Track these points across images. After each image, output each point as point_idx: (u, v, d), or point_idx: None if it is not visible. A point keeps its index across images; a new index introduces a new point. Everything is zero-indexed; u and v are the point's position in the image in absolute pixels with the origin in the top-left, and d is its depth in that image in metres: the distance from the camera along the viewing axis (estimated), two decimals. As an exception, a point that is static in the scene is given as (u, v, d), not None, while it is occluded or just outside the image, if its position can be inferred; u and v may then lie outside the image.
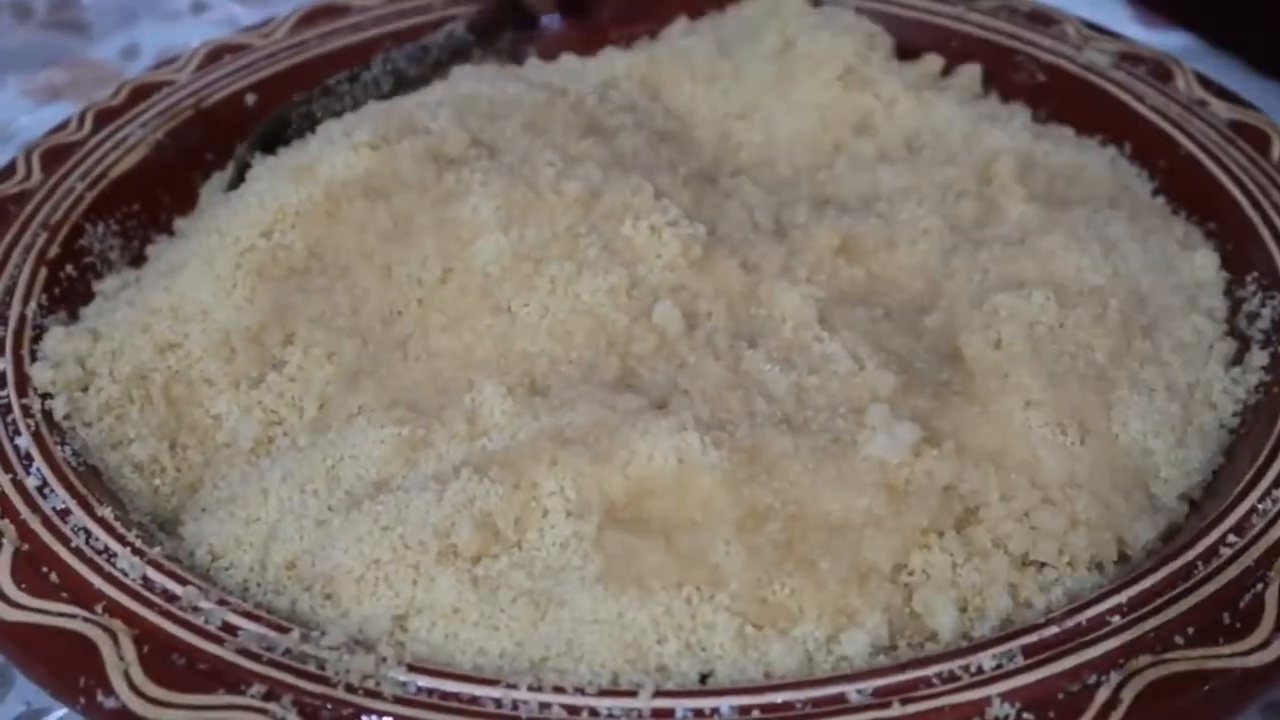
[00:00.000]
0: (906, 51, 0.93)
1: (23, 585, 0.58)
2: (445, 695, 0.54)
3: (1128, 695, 0.52)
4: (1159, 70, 0.89)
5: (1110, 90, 0.88)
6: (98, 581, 0.58)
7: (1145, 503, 0.65)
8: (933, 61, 0.93)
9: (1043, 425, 0.66)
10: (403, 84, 0.91)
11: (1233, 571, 0.58)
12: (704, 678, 0.58)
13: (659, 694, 0.54)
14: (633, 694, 0.54)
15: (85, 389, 0.70)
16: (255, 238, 0.74)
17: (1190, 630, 0.55)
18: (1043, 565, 0.62)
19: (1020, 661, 0.54)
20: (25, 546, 0.60)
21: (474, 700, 0.53)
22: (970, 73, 0.93)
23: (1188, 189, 0.82)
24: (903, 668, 0.54)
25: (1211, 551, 0.59)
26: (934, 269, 0.76)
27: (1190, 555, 0.59)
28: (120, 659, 0.54)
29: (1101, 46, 0.92)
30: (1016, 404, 0.66)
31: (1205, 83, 0.88)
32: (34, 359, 0.70)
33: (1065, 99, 0.90)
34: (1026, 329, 0.69)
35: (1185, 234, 0.80)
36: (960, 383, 0.69)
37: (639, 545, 0.60)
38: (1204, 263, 0.77)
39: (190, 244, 0.76)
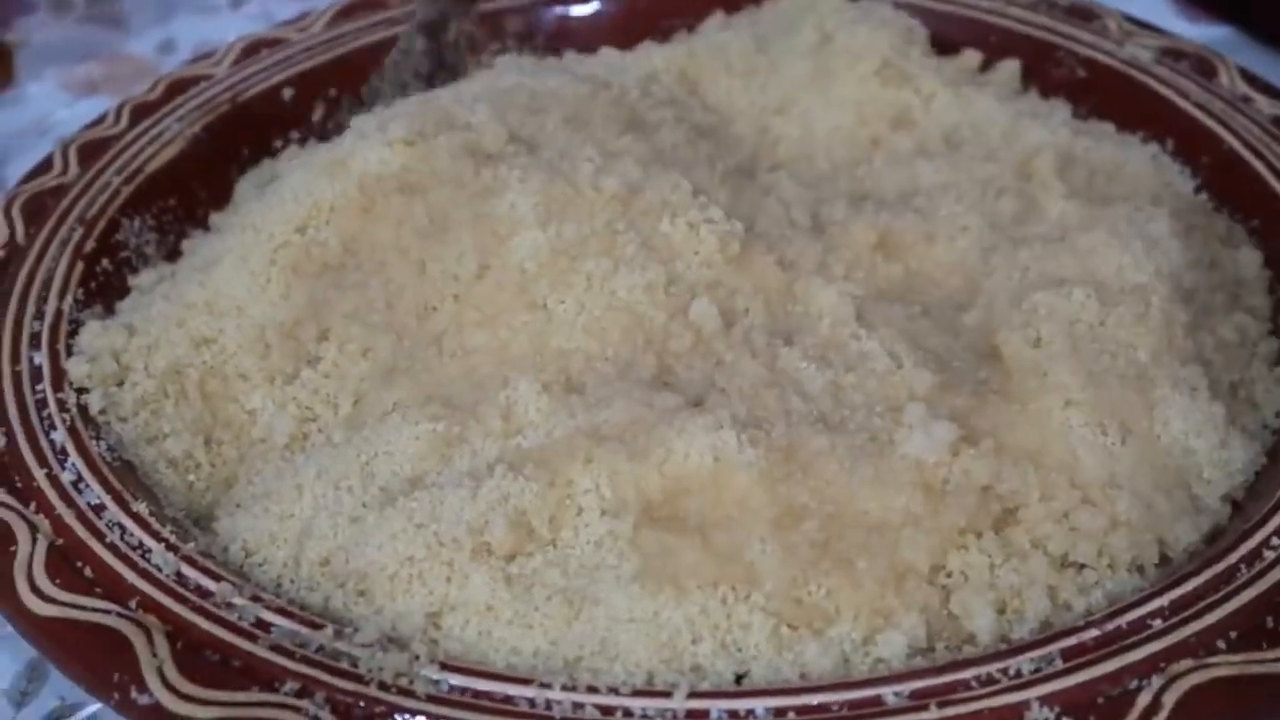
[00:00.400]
0: (945, 46, 0.92)
1: (57, 580, 0.58)
2: (478, 694, 0.53)
3: (1169, 700, 0.52)
4: (1202, 65, 0.88)
5: (1152, 86, 0.87)
6: (132, 577, 0.58)
7: (1187, 504, 0.64)
8: (971, 56, 0.93)
9: (1082, 424, 0.65)
10: None
11: (1276, 575, 0.57)
12: (739, 678, 0.57)
13: (693, 695, 0.53)
14: (667, 694, 0.53)
15: (120, 384, 0.70)
16: (290, 233, 0.74)
17: (1233, 634, 0.54)
18: (1082, 567, 0.61)
19: (1059, 665, 0.54)
20: (60, 541, 0.60)
21: (507, 699, 0.53)
22: (1009, 68, 0.92)
23: (1231, 186, 0.81)
24: (940, 670, 0.54)
25: (1255, 554, 0.58)
26: (973, 266, 0.76)
27: (1233, 558, 0.58)
28: (154, 655, 0.54)
29: (1143, 41, 0.91)
30: (1056, 403, 0.66)
31: (1249, 78, 0.87)
32: (70, 354, 0.70)
33: (1106, 95, 0.89)
34: (1066, 327, 0.68)
35: (1228, 231, 0.79)
36: (999, 381, 0.68)
37: (674, 544, 0.59)
38: (1247, 260, 0.76)
39: (225, 239, 0.76)
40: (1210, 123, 0.84)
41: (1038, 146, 0.82)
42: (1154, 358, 0.68)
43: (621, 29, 0.90)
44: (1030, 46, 0.93)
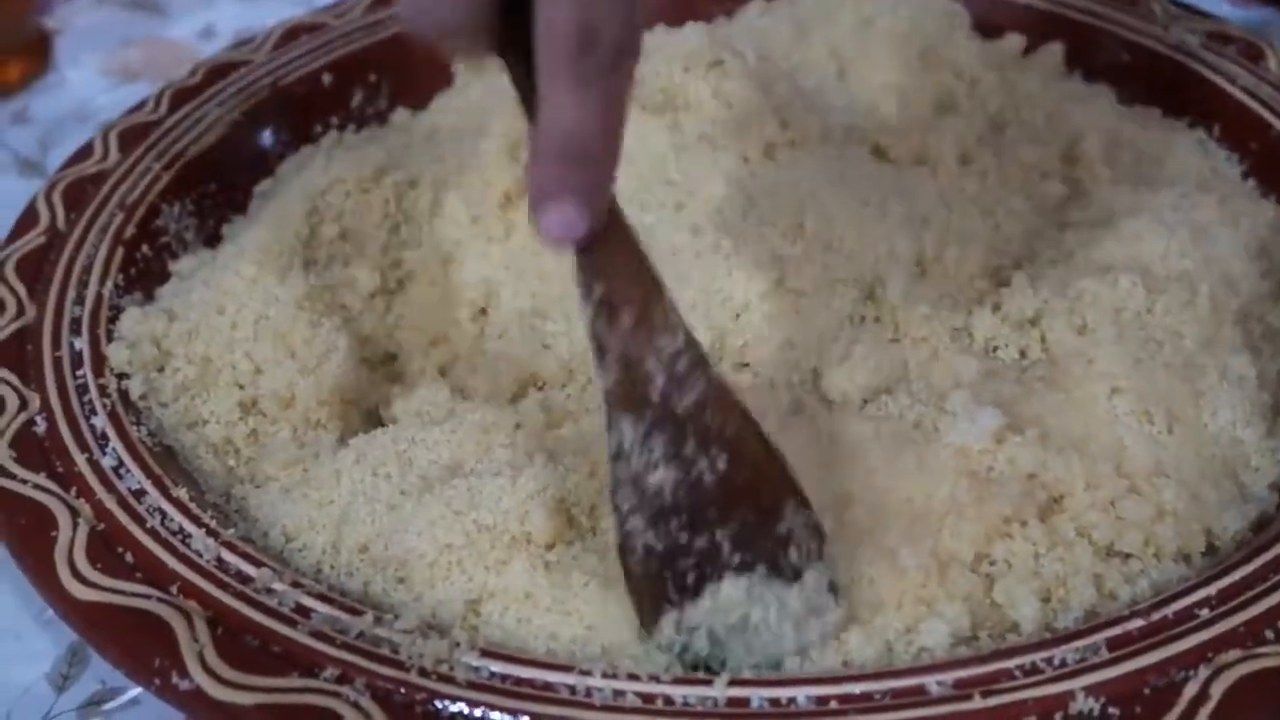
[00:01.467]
0: (987, 30, 0.91)
1: (98, 565, 0.58)
2: (519, 681, 0.53)
3: (1217, 690, 0.51)
4: (1249, 50, 0.87)
5: (1198, 70, 0.86)
6: (172, 562, 0.58)
7: (1234, 493, 0.64)
8: (1014, 41, 0.92)
9: (1129, 413, 0.64)
10: None
11: (1326, 564, 0.56)
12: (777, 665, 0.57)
13: (734, 683, 0.53)
14: (708, 682, 0.53)
15: (161, 369, 0.70)
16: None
17: (1281, 625, 0.54)
18: (1128, 556, 0.60)
19: (1105, 655, 0.53)
20: (101, 526, 0.60)
21: (547, 686, 0.53)
22: (1053, 52, 0.91)
23: (1279, 172, 0.80)
24: (984, 659, 0.53)
25: (1304, 543, 0.57)
26: (1017, 251, 0.75)
27: (1281, 547, 0.57)
28: (195, 640, 0.54)
29: (1189, 25, 0.90)
30: (1102, 390, 0.65)
31: (1298, 63, 0.86)
32: (110, 339, 0.70)
33: (1151, 79, 0.88)
34: (1112, 314, 0.68)
35: (1276, 218, 0.78)
36: (1044, 368, 0.67)
37: None
38: (1292, 242, 0.76)
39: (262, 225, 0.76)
40: (1258, 108, 0.83)
41: (1083, 131, 0.82)
42: (1202, 346, 0.68)
43: (659, 14, 0.89)
44: (1074, 30, 0.91)
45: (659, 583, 0.56)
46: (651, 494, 0.55)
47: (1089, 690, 0.51)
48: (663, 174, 0.74)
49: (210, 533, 0.59)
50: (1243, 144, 0.83)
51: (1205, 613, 0.54)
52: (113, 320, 0.71)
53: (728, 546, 0.56)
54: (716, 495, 0.55)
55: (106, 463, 0.63)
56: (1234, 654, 0.52)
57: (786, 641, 0.56)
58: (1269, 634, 0.53)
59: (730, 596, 0.56)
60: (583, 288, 0.53)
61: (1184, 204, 0.75)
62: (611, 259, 0.53)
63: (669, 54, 0.78)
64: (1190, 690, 0.51)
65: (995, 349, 0.70)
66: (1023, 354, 0.69)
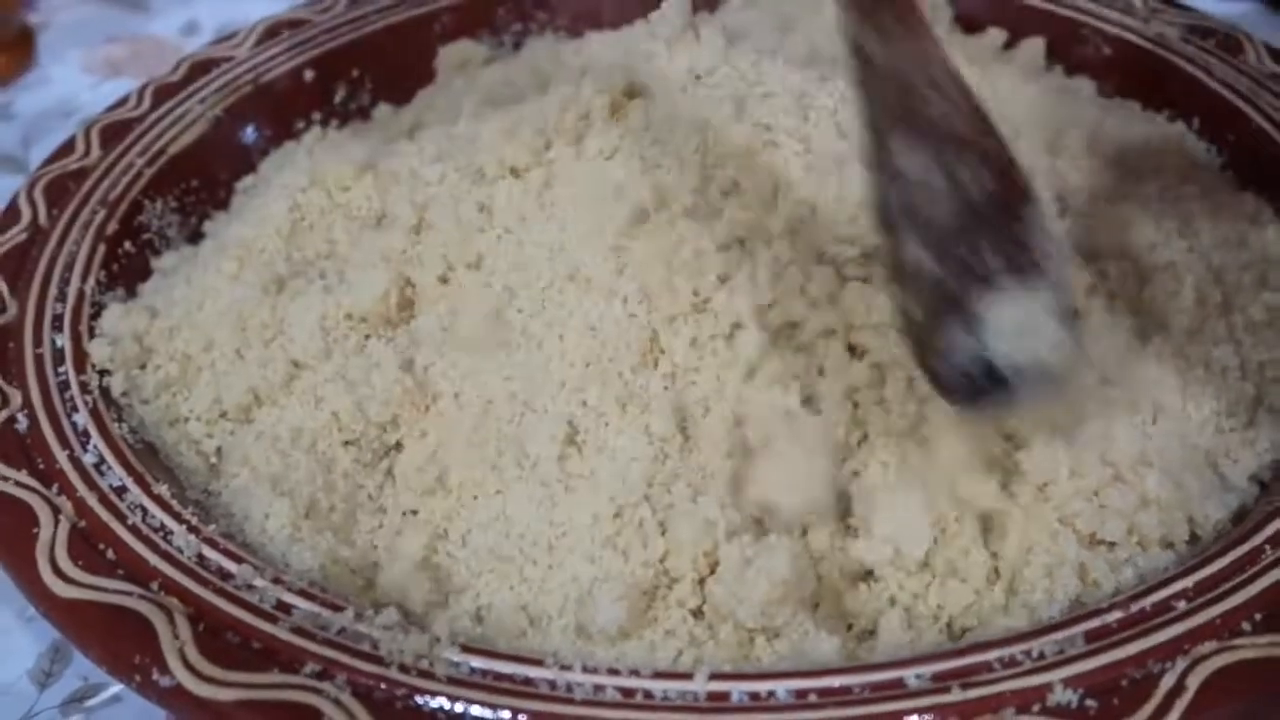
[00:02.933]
0: (969, 24, 0.92)
1: (79, 562, 0.58)
2: (499, 676, 0.53)
3: (1193, 682, 0.51)
4: (1228, 43, 0.87)
5: (1178, 64, 0.86)
6: (154, 559, 0.58)
7: (1216, 482, 0.64)
8: (996, 35, 0.92)
9: (1115, 401, 0.65)
10: None
11: (1302, 556, 0.56)
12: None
13: (715, 676, 0.53)
14: (688, 676, 0.53)
15: (143, 366, 0.70)
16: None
17: (1258, 616, 0.54)
18: (1112, 545, 0.61)
19: (1083, 647, 0.53)
20: (82, 523, 0.60)
21: (528, 681, 0.53)
22: (1034, 46, 0.91)
23: (1257, 164, 0.80)
24: (962, 652, 0.53)
25: (1280, 535, 0.57)
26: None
27: (1258, 539, 0.57)
28: (176, 637, 0.54)
29: (1169, 18, 0.90)
30: (1089, 378, 0.65)
31: (1277, 55, 0.86)
32: (92, 336, 0.70)
33: (1132, 72, 0.88)
34: (1103, 302, 0.68)
35: (1255, 210, 0.78)
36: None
37: None
38: (1275, 239, 0.76)
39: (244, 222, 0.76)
40: (1237, 101, 0.83)
41: (1066, 124, 0.82)
42: (1188, 336, 0.68)
43: (648, 6, 0.89)
44: (1055, 24, 0.92)
45: (937, 304, 0.55)
46: (926, 214, 0.54)
47: (1067, 682, 0.52)
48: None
49: (191, 529, 0.59)
50: (1222, 136, 0.83)
51: (1182, 605, 0.54)
52: (94, 317, 0.71)
53: (996, 261, 0.54)
54: (985, 211, 0.54)
55: (88, 460, 0.63)
56: (1211, 646, 0.53)
57: (1062, 344, 0.54)
58: (1246, 626, 0.53)
59: (1008, 308, 0.54)
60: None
61: (1167, 195, 0.76)
62: None
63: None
64: (1167, 682, 0.51)
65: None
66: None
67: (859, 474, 0.62)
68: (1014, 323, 0.54)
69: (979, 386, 0.55)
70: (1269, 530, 0.58)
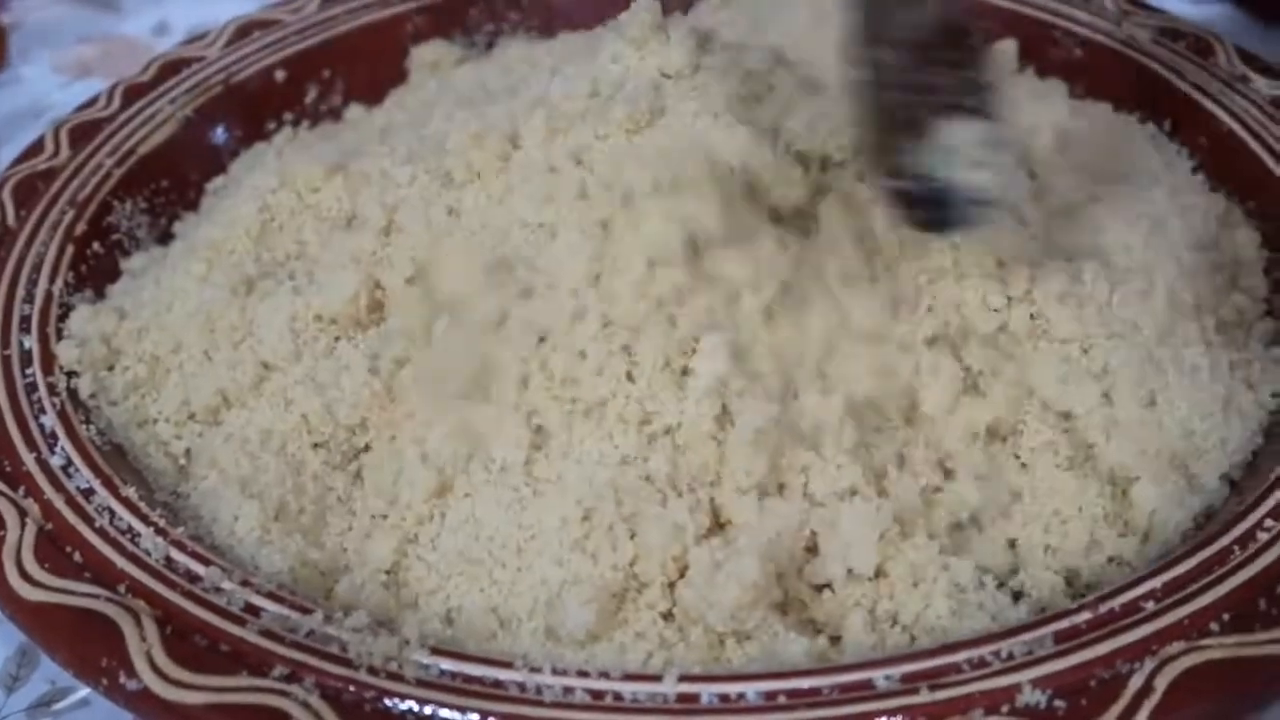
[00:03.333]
0: (942, 26, 0.92)
1: (46, 565, 0.58)
2: (468, 679, 0.53)
3: (1161, 683, 0.51)
4: (1199, 45, 0.87)
5: (1150, 66, 0.87)
6: (121, 562, 0.58)
7: (1186, 483, 0.64)
8: (968, 36, 0.92)
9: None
10: None
11: (1270, 557, 0.56)
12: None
13: (684, 678, 0.53)
14: (658, 678, 0.53)
15: (111, 368, 0.70)
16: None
17: (1226, 617, 0.54)
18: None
19: (1051, 647, 0.53)
20: (49, 526, 0.60)
21: (497, 684, 0.53)
22: (1006, 47, 0.92)
23: (1228, 166, 0.81)
24: (931, 653, 0.54)
25: (1248, 536, 0.58)
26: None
27: (1226, 540, 0.57)
28: (143, 640, 0.54)
29: (1141, 21, 0.90)
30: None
31: (1247, 58, 0.86)
32: (60, 337, 0.70)
33: (1103, 74, 0.88)
34: (1074, 305, 0.68)
35: (1226, 212, 0.78)
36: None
37: None
38: (1244, 241, 0.76)
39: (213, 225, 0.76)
40: (1208, 103, 0.83)
41: (1037, 126, 0.82)
42: (1159, 338, 0.68)
43: (619, 7, 0.89)
44: (1027, 26, 0.92)
45: (892, 120, 0.59)
46: (893, 34, 0.58)
47: (1036, 683, 0.52)
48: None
49: (159, 531, 0.59)
50: (1193, 138, 0.83)
51: (1151, 605, 0.55)
52: (62, 318, 0.71)
53: (957, 87, 0.58)
54: (952, 37, 0.59)
55: (55, 462, 0.63)
56: (1179, 646, 0.53)
57: (1010, 181, 0.58)
58: (1214, 626, 0.54)
59: (961, 133, 0.58)
60: None
61: (1142, 196, 0.76)
62: None
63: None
64: (1136, 682, 0.52)
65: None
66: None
67: (809, 486, 0.63)
68: (964, 146, 0.58)
69: (925, 205, 0.58)
70: (1236, 531, 0.58)
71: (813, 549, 0.61)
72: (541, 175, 0.69)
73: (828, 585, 0.60)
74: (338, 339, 0.69)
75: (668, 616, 0.59)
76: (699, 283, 0.64)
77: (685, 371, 0.63)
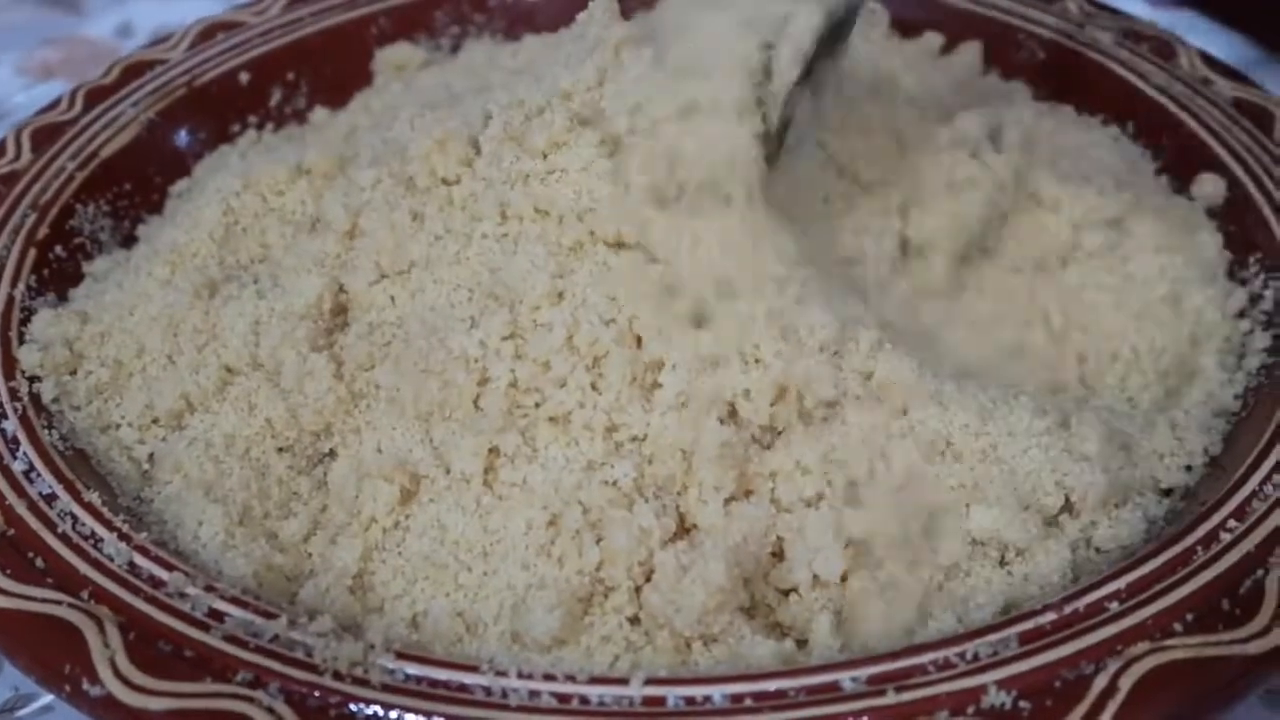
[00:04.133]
0: (906, 28, 0.92)
1: (8, 571, 0.57)
2: (434, 683, 0.53)
3: (1125, 683, 0.52)
4: (1162, 48, 0.88)
5: (1113, 68, 0.87)
6: (84, 567, 0.57)
7: (1150, 483, 0.65)
8: (932, 38, 0.92)
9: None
10: None
11: (1232, 557, 0.57)
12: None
13: (650, 681, 0.53)
14: (624, 681, 0.53)
15: (73, 372, 0.69)
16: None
17: (1189, 617, 0.54)
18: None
19: (1016, 649, 0.53)
20: (11, 532, 0.59)
21: (463, 688, 0.53)
22: (971, 50, 0.92)
23: (1191, 169, 0.81)
24: (897, 655, 0.54)
25: (1211, 537, 0.58)
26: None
27: (1189, 541, 0.58)
28: (106, 646, 0.54)
29: (1103, 23, 0.91)
30: None
31: (1209, 61, 0.87)
32: (22, 341, 0.69)
33: (1067, 77, 0.89)
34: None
35: (1188, 214, 0.79)
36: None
37: None
38: (1207, 243, 0.76)
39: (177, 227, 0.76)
40: (1170, 105, 0.84)
41: (1002, 123, 0.82)
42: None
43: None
44: (991, 28, 0.92)
45: None
46: None
47: (1001, 684, 0.52)
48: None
49: (122, 537, 0.59)
50: (1156, 141, 0.84)
51: (1115, 606, 0.55)
52: (24, 322, 0.70)
53: None
54: None
55: (17, 467, 0.62)
56: (1143, 646, 0.53)
57: None
58: (1177, 627, 0.54)
59: None
60: None
61: (1110, 200, 0.76)
62: None
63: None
64: (1100, 682, 0.52)
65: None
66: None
67: (775, 491, 0.63)
68: None
69: None
70: (1199, 533, 0.58)
71: (779, 554, 0.61)
72: (500, 186, 0.68)
73: (794, 589, 0.60)
74: (301, 343, 0.68)
75: (634, 620, 0.59)
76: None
77: (654, 385, 0.64)
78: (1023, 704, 0.51)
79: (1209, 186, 0.78)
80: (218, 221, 0.75)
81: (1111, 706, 0.51)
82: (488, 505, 0.62)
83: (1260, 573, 0.56)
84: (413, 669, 0.54)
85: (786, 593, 0.61)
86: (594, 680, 0.53)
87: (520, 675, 0.53)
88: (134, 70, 0.88)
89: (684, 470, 0.62)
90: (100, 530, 0.59)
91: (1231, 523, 0.59)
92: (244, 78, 0.90)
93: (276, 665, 0.53)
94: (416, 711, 0.52)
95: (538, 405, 0.63)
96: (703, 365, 0.63)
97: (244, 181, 0.76)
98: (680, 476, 0.62)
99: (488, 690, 0.53)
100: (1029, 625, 0.54)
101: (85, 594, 0.56)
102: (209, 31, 0.92)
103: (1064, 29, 0.90)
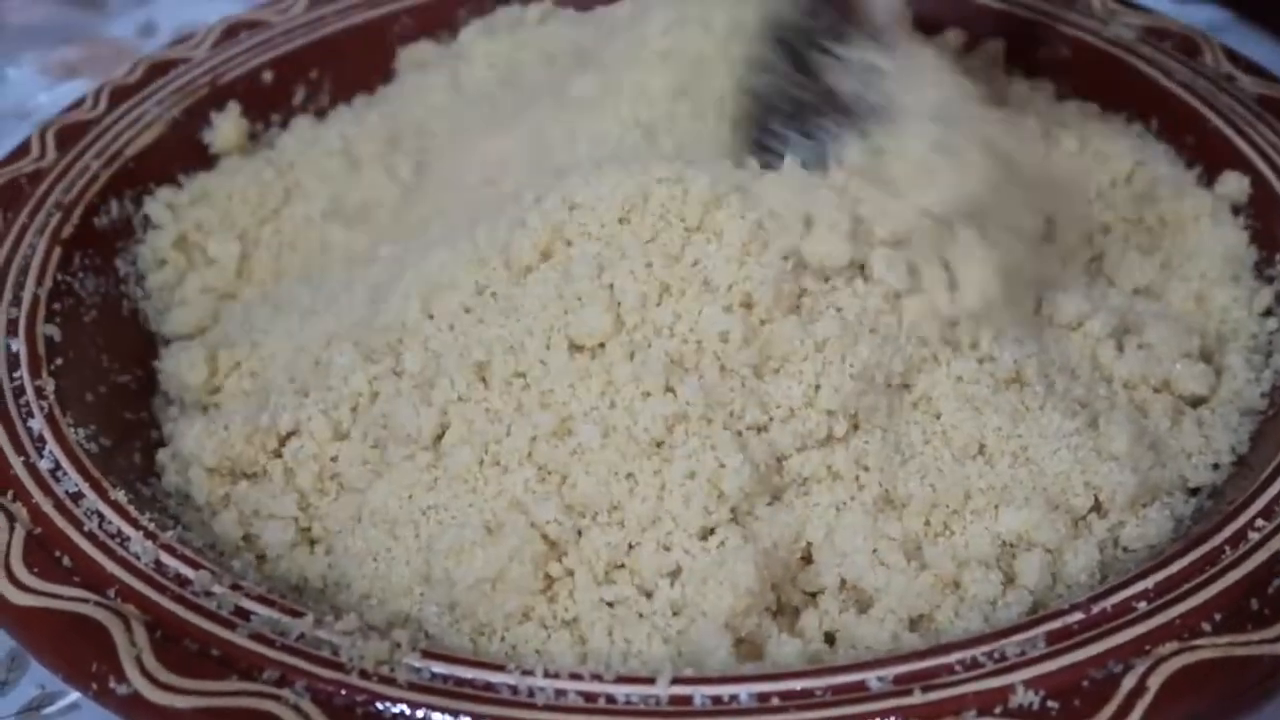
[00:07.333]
0: (928, 26, 0.92)
1: (35, 569, 0.57)
2: (460, 681, 0.53)
3: (1154, 683, 0.51)
4: (1186, 45, 0.87)
5: (1137, 65, 0.87)
6: (110, 565, 0.57)
7: (1178, 482, 0.65)
8: (954, 36, 0.92)
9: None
10: None
11: (1261, 556, 0.57)
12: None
13: (677, 680, 0.53)
14: (650, 681, 0.53)
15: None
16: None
17: (1218, 617, 0.54)
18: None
19: (1044, 648, 0.53)
20: (38, 530, 0.59)
21: (489, 687, 0.53)
22: (993, 47, 0.92)
23: (1216, 165, 0.81)
24: (924, 655, 0.53)
25: (1239, 536, 0.58)
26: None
27: (1217, 540, 0.57)
28: (133, 644, 0.54)
29: (1127, 20, 0.90)
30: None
31: (1233, 57, 0.86)
32: (49, 340, 0.69)
33: (1090, 74, 0.89)
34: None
35: (1214, 209, 0.78)
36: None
37: None
38: (1235, 239, 0.76)
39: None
40: (1195, 102, 0.83)
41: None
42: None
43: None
44: (1014, 26, 0.92)
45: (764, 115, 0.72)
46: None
47: (1029, 684, 0.52)
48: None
49: (148, 535, 0.59)
50: (1180, 138, 0.83)
51: (1143, 605, 0.55)
52: (49, 321, 0.70)
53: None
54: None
55: (43, 465, 0.62)
56: (1171, 646, 0.53)
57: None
58: (1206, 626, 0.54)
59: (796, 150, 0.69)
60: None
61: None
62: None
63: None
64: (1129, 682, 0.52)
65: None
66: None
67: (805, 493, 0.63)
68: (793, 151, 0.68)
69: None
70: (1228, 531, 0.58)
71: (807, 558, 0.61)
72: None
73: (820, 592, 0.60)
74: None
75: (663, 618, 0.59)
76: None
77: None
78: (1050, 704, 0.51)
79: (1233, 183, 0.78)
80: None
81: (1140, 706, 0.51)
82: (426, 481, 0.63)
83: (1289, 572, 0.56)
84: (439, 668, 0.54)
85: (813, 595, 0.60)
86: (621, 679, 0.53)
87: (546, 674, 0.53)
88: (158, 68, 0.88)
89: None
90: (126, 529, 0.59)
91: (1259, 522, 0.58)
92: (267, 76, 0.90)
93: (303, 664, 0.53)
94: (443, 710, 0.52)
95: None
96: None
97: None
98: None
99: (514, 689, 0.53)
100: (1057, 625, 0.54)
101: (112, 592, 0.56)
102: (232, 30, 0.92)
103: (1087, 25, 0.90)
